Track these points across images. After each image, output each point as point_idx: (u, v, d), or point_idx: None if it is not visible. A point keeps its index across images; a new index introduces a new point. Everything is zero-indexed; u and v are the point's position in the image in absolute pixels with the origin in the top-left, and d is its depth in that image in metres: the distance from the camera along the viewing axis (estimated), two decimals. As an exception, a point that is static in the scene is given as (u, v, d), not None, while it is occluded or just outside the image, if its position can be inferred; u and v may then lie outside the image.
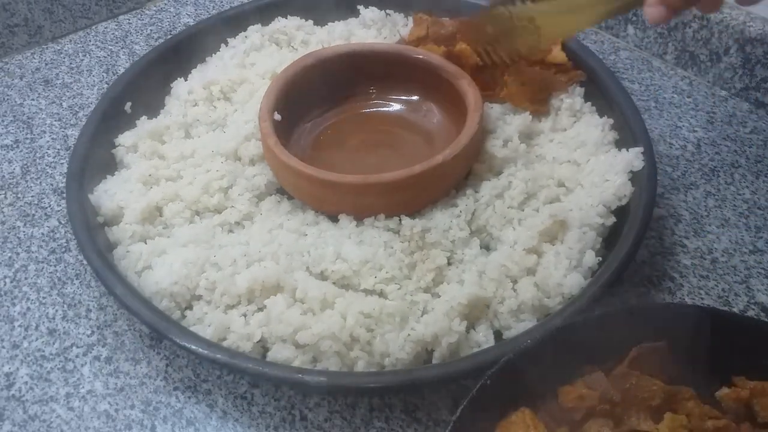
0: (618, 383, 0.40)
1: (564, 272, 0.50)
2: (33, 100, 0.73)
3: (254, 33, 0.70)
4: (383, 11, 0.70)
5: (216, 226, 0.55)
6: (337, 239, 0.52)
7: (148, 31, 0.81)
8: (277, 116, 0.58)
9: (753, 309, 0.53)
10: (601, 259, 0.51)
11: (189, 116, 0.63)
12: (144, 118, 0.63)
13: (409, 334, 0.47)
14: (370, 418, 0.47)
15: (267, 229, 0.54)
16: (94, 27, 0.82)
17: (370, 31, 0.69)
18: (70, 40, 0.80)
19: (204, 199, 0.56)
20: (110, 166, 0.61)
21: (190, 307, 0.51)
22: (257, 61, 0.67)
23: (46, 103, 0.72)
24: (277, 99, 0.58)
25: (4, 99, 0.73)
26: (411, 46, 0.64)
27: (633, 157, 0.56)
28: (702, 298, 0.54)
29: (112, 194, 0.56)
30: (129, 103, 0.64)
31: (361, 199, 0.54)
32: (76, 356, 0.52)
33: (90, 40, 0.80)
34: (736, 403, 0.39)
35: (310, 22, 0.71)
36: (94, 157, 0.59)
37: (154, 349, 0.52)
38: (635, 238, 0.51)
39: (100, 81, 0.74)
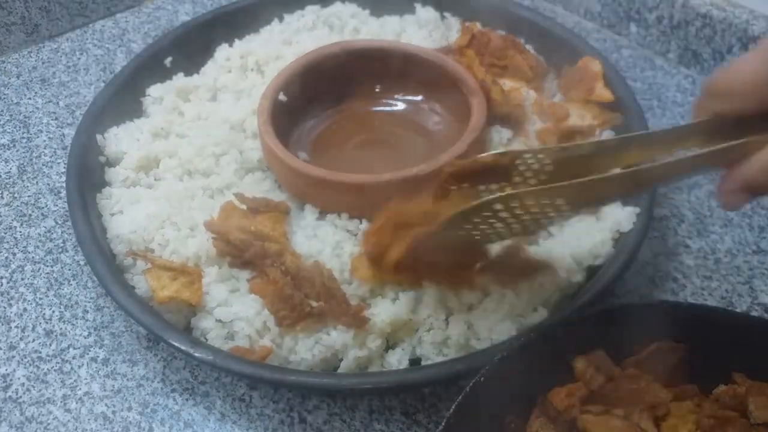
0: (626, 382, 0.39)
1: (501, 317, 0.47)
2: (30, 99, 0.72)
3: (310, 13, 0.71)
4: (440, 13, 0.70)
5: (199, 188, 0.56)
6: (292, 227, 0.52)
7: (146, 29, 0.80)
8: (282, 97, 0.58)
9: (756, 309, 0.52)
10: (546, 316, 0.47)
11: (219, 81, 0.65)
12: (181, 74, 0.66)
13: (322, 338, 0.47)
14: (369, 421, 0.47)
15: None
16: (91, 25, 0.81)
17: (422, 31, 0.68)
18: (67, 39, 0.80)
19: (196, 161, 0.57)
20: (137, 112, 0.64)
21: (136, 258, 0.52)
22: (301, 41, 0.67)
23: (42, 102, 0.72)
24: (285, 84, 0.59)
25: (0, 98, 0.72)
26: (453, 53, 0.63)
27: (624, 217, 0.51)
28: (705, 299, 0.53)
29: (120, 138, 0.60)
30: (170, 58, 0.66)
31: (325, 194, 0.53)
32: (73, 358, 0.51)
33: (87, 39, 0.80)
34: (733, 399, 0.39)
35: (367, 11, 0.71)
36: (122, 101, 0.63)
37: (151, 350, 0.51)
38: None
39: (97, 80, 0.74)
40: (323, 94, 0.62)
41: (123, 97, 0.63)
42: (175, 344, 0.46)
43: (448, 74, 0.60)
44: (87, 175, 0.57)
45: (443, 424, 0.36)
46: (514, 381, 0.39)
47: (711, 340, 0.40)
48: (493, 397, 0.38)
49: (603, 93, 0.59)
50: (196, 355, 0.45)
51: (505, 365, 0.39)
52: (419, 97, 0.63)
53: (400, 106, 0.64)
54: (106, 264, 0.50)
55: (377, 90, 0.64)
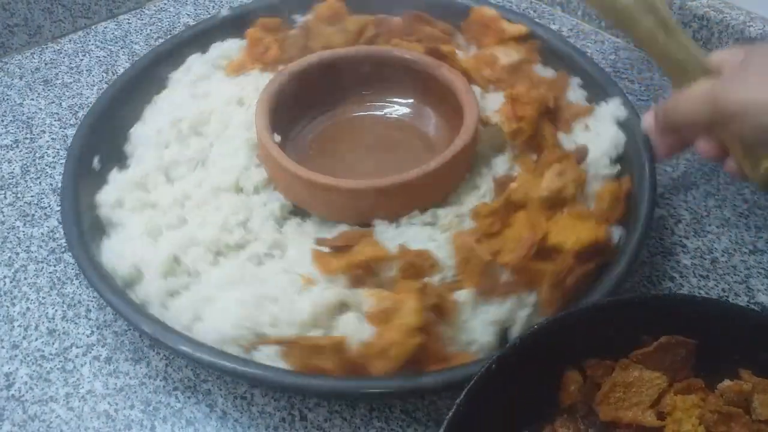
0: (623, 375, 0.40)
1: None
2: (32, 100, 0.73)
3: (195, 62, 0.65)
4: None
5: (245, 261, 0.50)
6: None
7: (148, 31, 0.81)
8: (277, 138, 0.55)
9: (753, 308, 0.53)
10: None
11: (165, 159, 0.57)
12: (114, 170, 0.57)
13: None
14: (369, 419, 0.47)
15: (306, 250, 0.50)
16: (93, 27, 0.82)
17: None
18: (70, 40, 0.80)
19: (224, 237, 0.51)
20: (100, 227, 0.55)
21: (256, 348, 0.47)
22: (211, 90, 0.62)
23: (45, 103, 0.72)
24: (271, 115, 0.56)
25: (3, 99, 0.73)
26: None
27: (615, 108, 0.57)
28: (702, 298, 0.54)
29: (121, 254, 0.52)
30: (96, 158, 0.58)
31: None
32: (76, 356, 0.52)
33: (90, 40, 0.80)
34: (737, 395, 0.40)
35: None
36: (82, 220, 0.54)
37: (153, 349, 0.52)
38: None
39: (100, 81, 0.74)
40: (315, 100, 0.62)
41: (82, 215, 0.55)
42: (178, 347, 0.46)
43: (437, 78, 0.59)
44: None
45: (453, 410, 0.36)
46: (524, 369, 0.39)
47: (719, 335, 0.40)
48: (502, 386, 0.38)
49: (514, 28, 0.62)
50: (197, 356, 0.45)
51: (516, 354, 0.39)
52: (410, 100, 0.62)
53: (390, 109, 0.63)
54: (105, 278, 0.50)
55: (368, 94, 0.63)
